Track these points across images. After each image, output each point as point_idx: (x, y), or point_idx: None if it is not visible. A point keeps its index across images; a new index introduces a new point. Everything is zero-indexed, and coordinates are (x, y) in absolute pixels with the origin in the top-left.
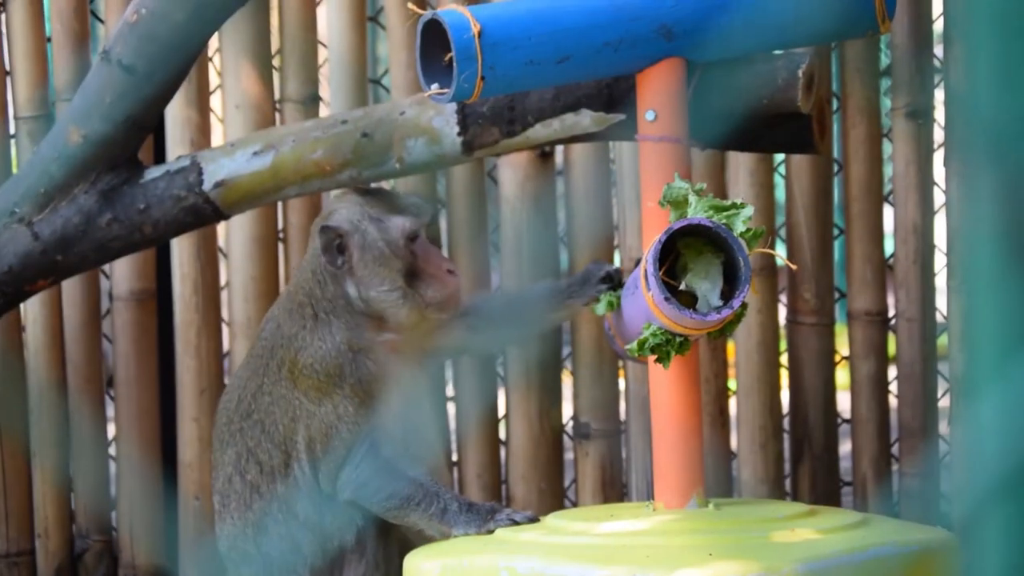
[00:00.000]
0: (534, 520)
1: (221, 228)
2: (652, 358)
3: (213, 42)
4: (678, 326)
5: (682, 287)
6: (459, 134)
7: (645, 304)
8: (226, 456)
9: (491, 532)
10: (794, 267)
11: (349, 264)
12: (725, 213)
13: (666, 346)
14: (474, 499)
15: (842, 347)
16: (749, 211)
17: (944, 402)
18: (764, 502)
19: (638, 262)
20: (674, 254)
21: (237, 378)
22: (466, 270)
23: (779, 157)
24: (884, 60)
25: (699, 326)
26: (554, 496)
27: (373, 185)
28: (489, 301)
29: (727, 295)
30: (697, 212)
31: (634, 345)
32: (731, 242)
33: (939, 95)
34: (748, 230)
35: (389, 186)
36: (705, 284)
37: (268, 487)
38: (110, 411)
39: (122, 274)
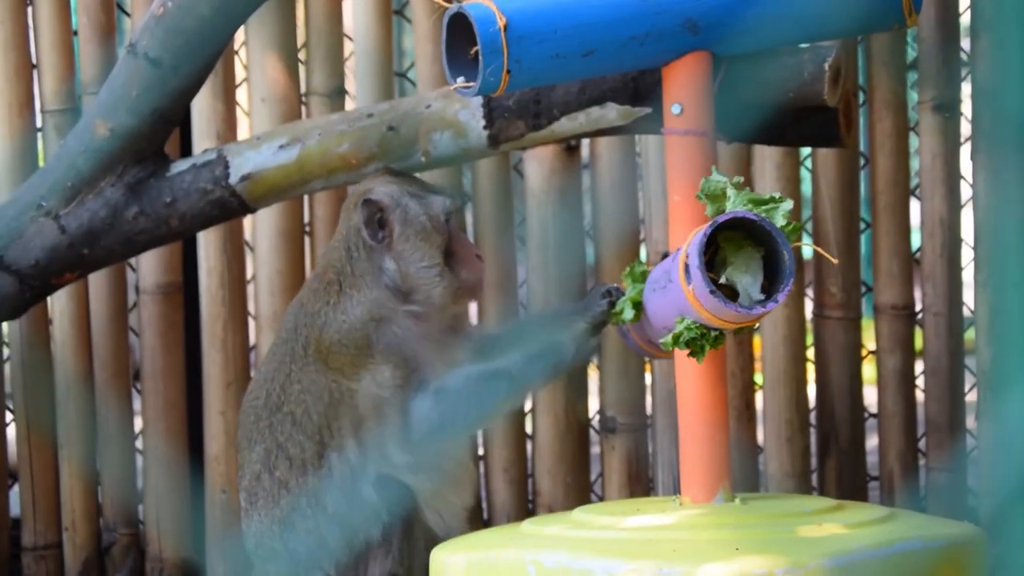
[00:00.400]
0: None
1: (247, 221)
2: (685, 352)
3: (239, 35)
4: (717, 320)
5: (722, 280)
6: (485, 127)
7: (679, 298)
8: (254, 454)
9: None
10: (835, 260)
11: (389, 239)
12: (764, 207)
13: (701, 340)
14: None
15: (869, 341)
16: (788, 205)
17: (971, 397)
18: (790, 497)
19: (664, 256)
20: (713, 247)
21: (262, 374)
22: (492, 264)
23: (805, 151)
24: (911, 53)
25: (742, 319)
26: (580, 490)
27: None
28: (498, 332)
29: (766, 289)
30: (736, 206)
31: (668, 339)
32: (775, 236)
33: (966, 88)
34: (788, 223)
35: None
36: (746, 278)
37: (297, 481)
38: (137, 404)
39: (148, 267)
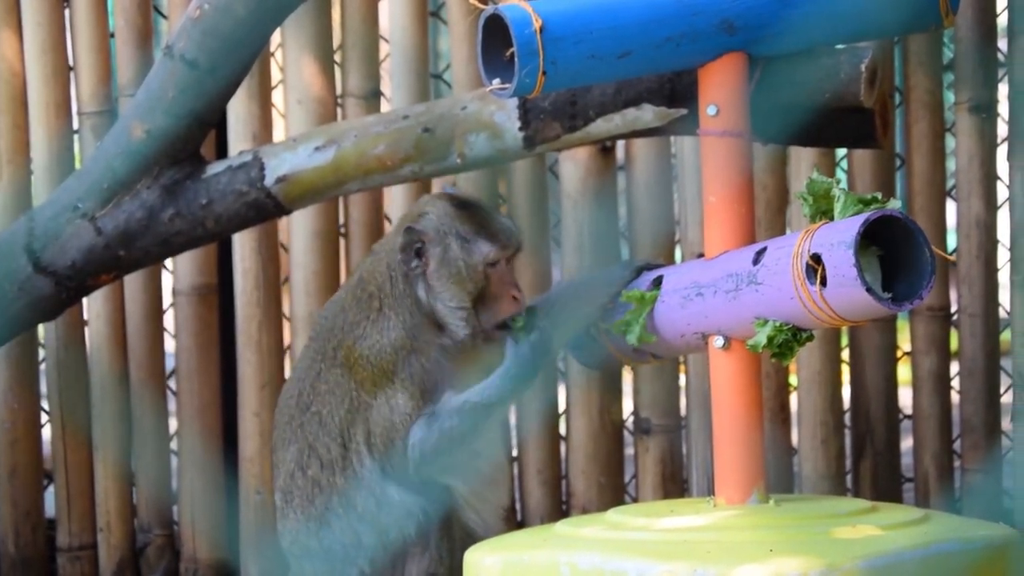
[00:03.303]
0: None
1: (283, 223)
2: (768, 353)
3: (275, 37)
4: (835, 320)
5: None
6: (520, 129)
7: (761, 301)
8: (288, 454)
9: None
10: (952, 259)
11: (423, 269)
12: (871, 207)
13: (792, 341)
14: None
15: (904, 343)
16: (896, 204)
17: (1007, 398)
18: (825, 498)
19: (700, 256)
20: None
21: (297, 371)
22: (528, 265)
23: (841, 152)
24: (947, 54)
25: (882, 314)
26: (614, 491)
27: (471, 198)
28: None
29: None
30: (846, 207)
31: (757, 342)
32: (918, 234)
33: (1003, 89)
34: None
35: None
36: (868, 276)
37: (328, 481)
38: (172, 405)
39: (184, 269)
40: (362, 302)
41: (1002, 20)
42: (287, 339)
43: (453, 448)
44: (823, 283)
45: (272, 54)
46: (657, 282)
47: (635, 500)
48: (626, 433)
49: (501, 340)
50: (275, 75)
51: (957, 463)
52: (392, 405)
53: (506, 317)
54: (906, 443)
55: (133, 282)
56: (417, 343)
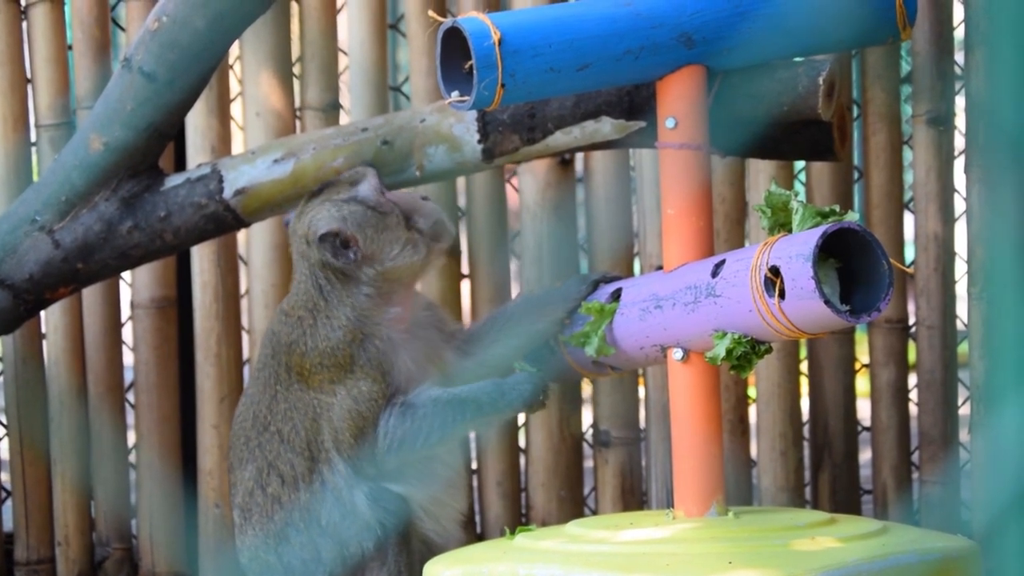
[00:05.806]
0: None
1: (241, 236)
2: (727, 366)
3: (234, 50)
4: (795, 332)
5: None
6: (479, 141)
7: (721, 314)
8: (246, 472)
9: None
10: (910, 271)
11: (359, 251)
12: (828, 219)
13: (751, 354)
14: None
15: (862, 355)
16: (854, 216)
17: (964, 410)
18: (784, 510)
19: (658, 268)
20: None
21: (248, 396)
22: (486, 278)
23: (799, 164)
24: (905, 67)
25: (839, 327)
26: (574, 504)
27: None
28: (481, 324)
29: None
30: (804, 219)
31: (716, 354)
32: (875, 246)
33: (960, 102)
34: None
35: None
36: (826, 288)
37: (290, 497)
38: (130, 419)
39: (143, 282)
40: (291, 323)
41: (959, 33)
42: (246, 352)
43: (423, 442)
44: (781, 295)
45: (231, 67)
46: (616, 294)
47: (594, 513)
48: (585, 446)
49: (436, 248)
50: (234, 88)
51: (915, 475)
52: (355, 396)
53: (433, 218)
54: (864, 455)
55: (91, 295)
56: (367, 327)
